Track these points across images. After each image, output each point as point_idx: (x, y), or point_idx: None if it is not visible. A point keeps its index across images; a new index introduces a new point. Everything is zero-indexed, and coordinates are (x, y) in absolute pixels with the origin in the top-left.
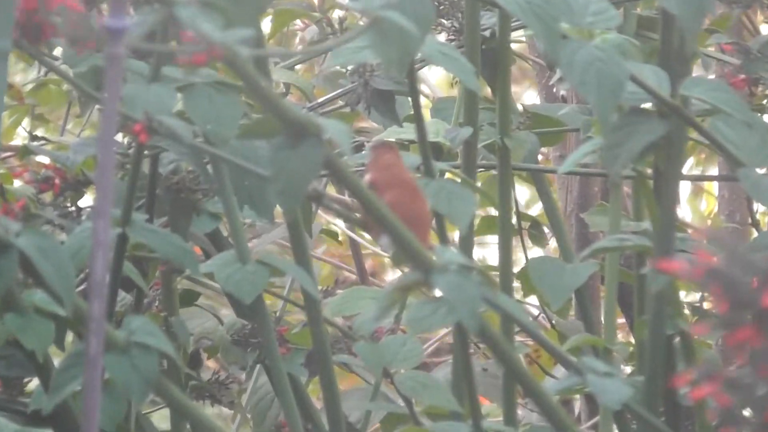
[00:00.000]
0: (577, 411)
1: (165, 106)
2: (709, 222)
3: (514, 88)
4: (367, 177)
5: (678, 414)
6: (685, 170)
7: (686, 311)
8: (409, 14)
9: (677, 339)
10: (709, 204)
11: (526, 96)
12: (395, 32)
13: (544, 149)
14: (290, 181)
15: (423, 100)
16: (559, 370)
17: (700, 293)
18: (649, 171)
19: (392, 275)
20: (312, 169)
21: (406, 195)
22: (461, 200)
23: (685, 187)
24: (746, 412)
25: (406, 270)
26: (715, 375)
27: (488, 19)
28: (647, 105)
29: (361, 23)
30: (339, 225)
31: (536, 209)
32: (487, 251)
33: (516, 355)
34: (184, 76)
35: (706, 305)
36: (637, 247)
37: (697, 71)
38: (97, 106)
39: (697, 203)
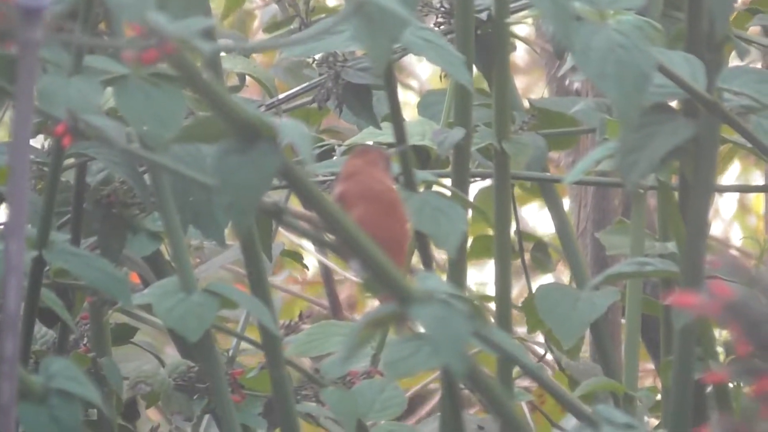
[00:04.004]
0: None
1: (90, 103)
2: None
3: (524, 80)
4: (335, 189)
5: None
6: (730, 179)
7: (720, 351)
8: None
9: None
10: (760, 221)
11: (537, 90)
12: (383, 17)
13: (554, 154)
14: (239, 193)
15: (410, 96)
16: (569, 421)
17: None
18: (676, 181)
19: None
20: (265, 179)
21: (378, 210)
22: (449, 217)
23: (731, 200)
24: None
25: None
26: (741, 428)
27: None
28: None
29: (331, 3)
30: (307, 246)
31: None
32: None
33: (514, 405)
34: (114, 66)
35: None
36: (662, 273)
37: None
38: (10, 104)
39: (745, 220)
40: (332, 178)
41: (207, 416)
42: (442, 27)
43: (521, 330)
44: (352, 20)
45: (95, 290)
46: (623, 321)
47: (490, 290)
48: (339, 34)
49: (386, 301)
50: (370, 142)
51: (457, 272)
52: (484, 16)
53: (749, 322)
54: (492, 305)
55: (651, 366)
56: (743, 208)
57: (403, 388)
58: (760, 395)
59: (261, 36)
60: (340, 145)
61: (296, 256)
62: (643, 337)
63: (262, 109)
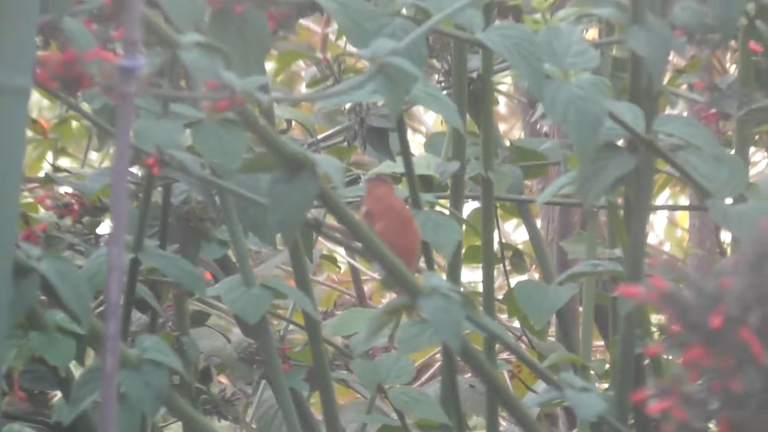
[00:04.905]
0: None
1: (174, 141)
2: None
3: (505, 125)
4: (362, 208)
5: (646, 425)
6: (661, 202)
7: (654, 331)
8: (406, 57)
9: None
10: (685, 233)
11: (515, 132)
12: (399, 76)
13: (528, 182)
14: (287, 212)
15: (419, 137)
16: (540, 385)
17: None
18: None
19: (390, 298)
20: (307, 201)
21: (396, 224)
22: (446, 230)
23: (662, 217)
24: (702, 425)
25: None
26: (672, 390)
27: (476, 62)
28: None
29: (359, 65)
30: (340, 251)
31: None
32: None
33: (496, 372)
34: (192, 112)
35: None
36: (610, 273)
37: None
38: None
39: (673, 232)
40: (358, 199)
41: (263, 381)
42: (442, 84)
43: (502, 317)
44: (375, 78)
45: (178, 284)
46: (580, 309)
47: (479, 288)
48: (364, 89)
49: (400, 294)
50: (388, 172)
51: (454, 273)
52: (474, 75)
53: (680, 308)
54: (480, 299)
55: (602, 343)
56: (672, 223)
57: (412, 360)
58: (687, 364)
59: (304, 91)
60: (364, 174)
61: (332, 259)
62: (596, 321)
63: (305, 146)
